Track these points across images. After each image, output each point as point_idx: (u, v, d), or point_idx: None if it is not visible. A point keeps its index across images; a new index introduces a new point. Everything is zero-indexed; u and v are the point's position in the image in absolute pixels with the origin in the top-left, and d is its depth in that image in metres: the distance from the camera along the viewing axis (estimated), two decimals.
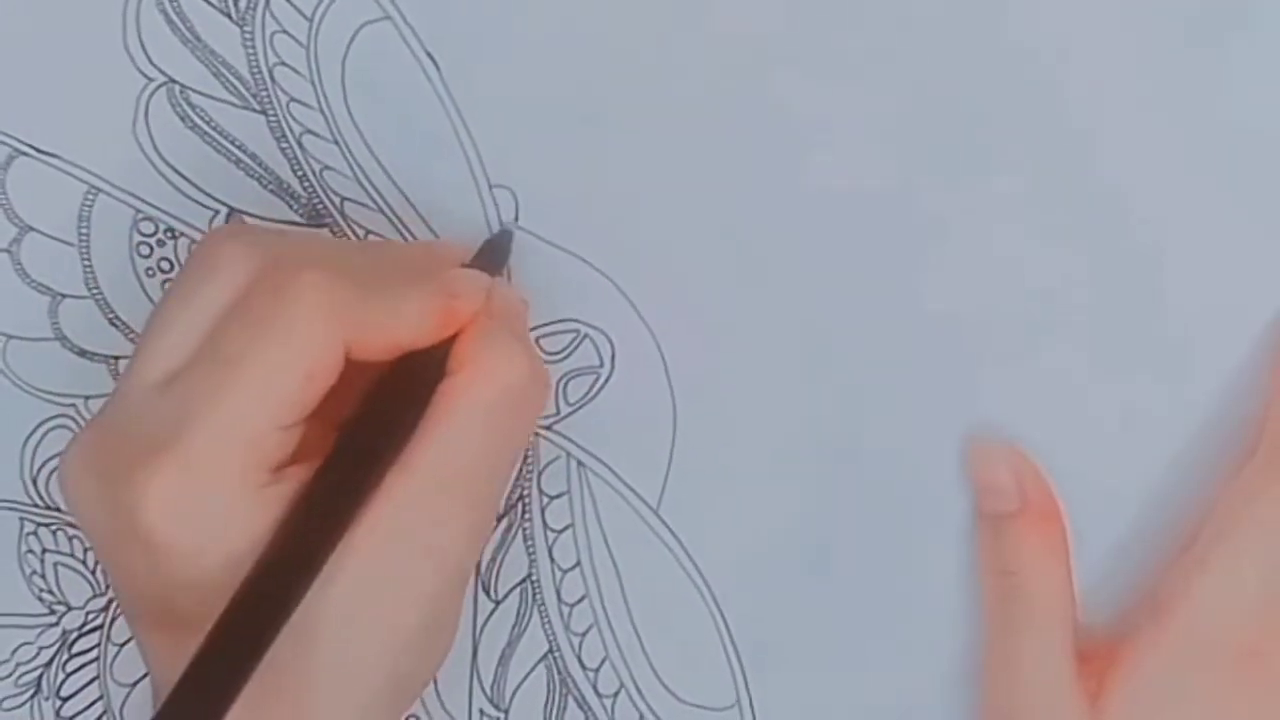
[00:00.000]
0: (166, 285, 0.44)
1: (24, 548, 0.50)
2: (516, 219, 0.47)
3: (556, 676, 0.49)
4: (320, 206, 0.47)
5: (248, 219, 0.48)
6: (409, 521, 0.41)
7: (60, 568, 0.51)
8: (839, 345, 0.46)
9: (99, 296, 0.49)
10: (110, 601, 0.51)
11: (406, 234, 0.47)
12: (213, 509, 0.40)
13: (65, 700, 0.51)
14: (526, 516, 0.49)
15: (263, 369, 0.40)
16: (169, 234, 0.48)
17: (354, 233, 0.47)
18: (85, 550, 0.50)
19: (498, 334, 0.42)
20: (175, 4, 0.47)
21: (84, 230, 0.48)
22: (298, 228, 0.48)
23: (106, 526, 0.41)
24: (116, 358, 0.49)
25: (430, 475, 0.41)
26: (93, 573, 0.50)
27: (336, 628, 0.40)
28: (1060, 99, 0.44)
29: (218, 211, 0.48)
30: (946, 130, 0.45)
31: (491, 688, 0.49)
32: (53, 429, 0.50)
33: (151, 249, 0.48)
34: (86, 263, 0.48)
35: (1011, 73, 0.44)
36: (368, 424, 0.42)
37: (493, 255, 0.46)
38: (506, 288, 0.46)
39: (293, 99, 0.47)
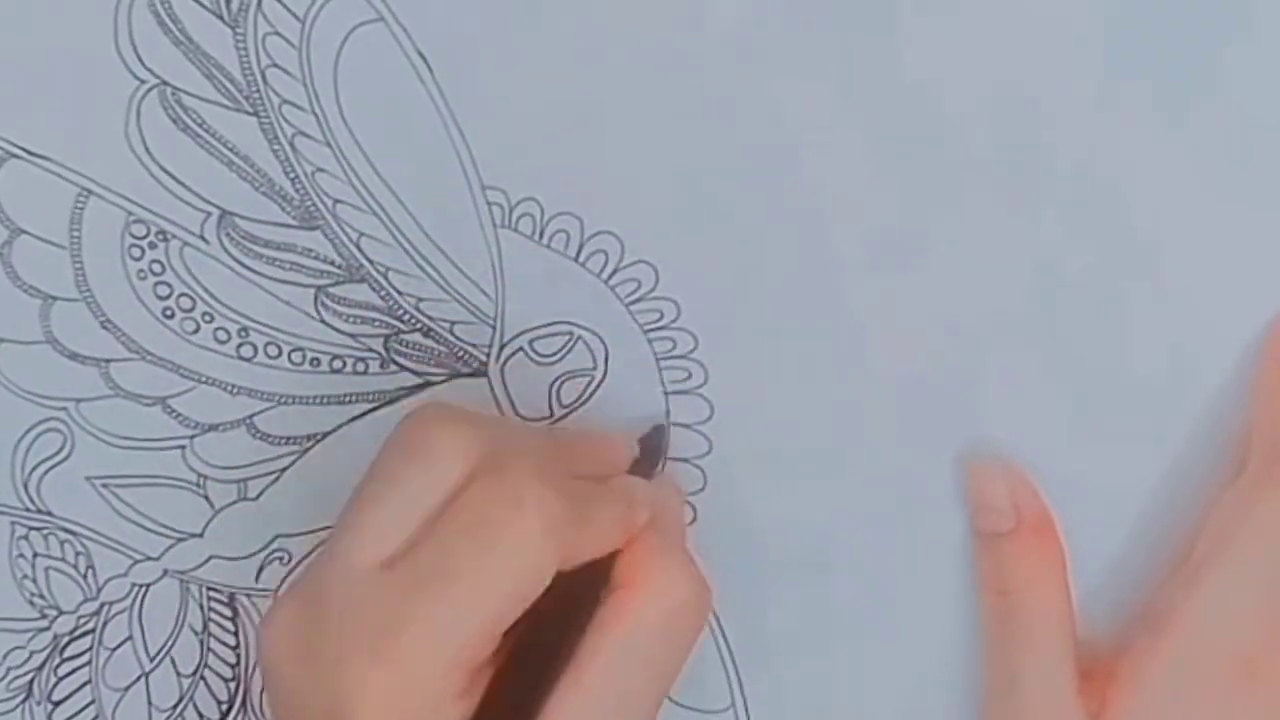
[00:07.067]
0: (374, 464, 0.42)
1: (15, 552, 0.50)
2: (668, 418, 0.47)
3: None
4: (312, 208, 0.47)
5: (241, 222, 0.48)
6: None
7: (51, 572, 0.50)
8: (835, 350, 0.46)
9: (90, 299, 0.48)
10: (102, 605, 0.50)
11: (398, 234, 0.47)
12: (421, 715, 0.40)
13: (57, 705, 0.51)
14: None
15: (486, 583, 0.40)
16: (161, 236, 0.48)
17: (346, 235, 0.47)
18: (76, 554, 0.50)
19: (664, 549, 0.42)
20: (167, 5, 0.46)
21: (75, 233, 0.48)
22: (503, 418, 0.48)
23: (311, 708, 0.40)
24: (108, 361, 0.49)
25: (598, 694, 0.41)
26: (84, 577, 0.50)
27: None
28: (1060, 100, 0.44)
29: (209, 214, 0.48)
30: (946, 132, 0.45)
31: None
32: (44, 432, 0.49)
33: (143, 251, 0.48)
34: (78, 265, 0.48)
35: (1010, 73, 0.44)
36: (541, 634, 0.41)
37: (650, 455, 0.46)
38: (667, 492, 0.46)
39: (285, 101, 0.47)
